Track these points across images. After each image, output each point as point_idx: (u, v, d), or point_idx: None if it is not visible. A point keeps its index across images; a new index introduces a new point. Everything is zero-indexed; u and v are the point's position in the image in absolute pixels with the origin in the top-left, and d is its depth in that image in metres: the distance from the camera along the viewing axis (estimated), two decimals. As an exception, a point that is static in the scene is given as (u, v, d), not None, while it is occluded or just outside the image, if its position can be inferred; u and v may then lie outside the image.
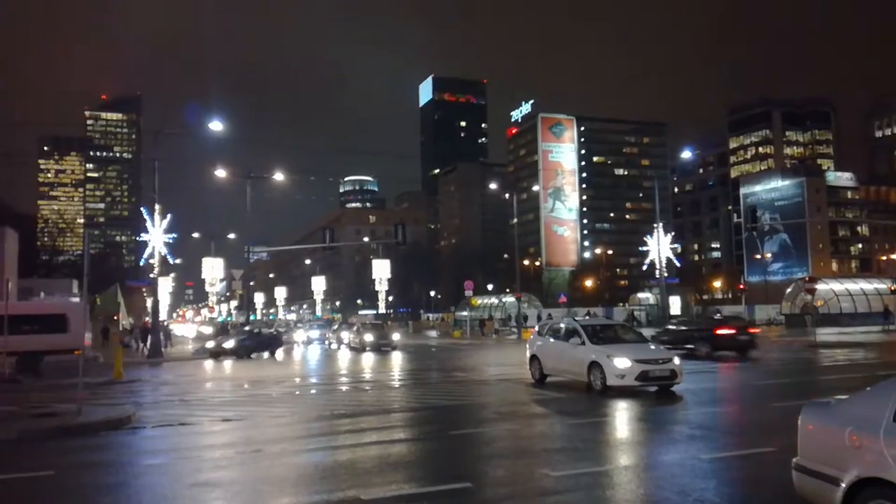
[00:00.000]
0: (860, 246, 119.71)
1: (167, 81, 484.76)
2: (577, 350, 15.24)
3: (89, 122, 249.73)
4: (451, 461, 8.94)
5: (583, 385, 15.07)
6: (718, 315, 32.76)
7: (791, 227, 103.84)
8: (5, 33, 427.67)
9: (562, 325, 16.90)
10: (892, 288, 45.27)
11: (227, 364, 28.11)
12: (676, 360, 14.42)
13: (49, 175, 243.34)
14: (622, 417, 12.08)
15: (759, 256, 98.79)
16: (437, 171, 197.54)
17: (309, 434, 11.12)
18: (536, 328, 19.36)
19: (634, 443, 9.99)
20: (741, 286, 56.39)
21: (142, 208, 33.37)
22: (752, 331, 26.11)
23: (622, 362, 14.04)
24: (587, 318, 32.68)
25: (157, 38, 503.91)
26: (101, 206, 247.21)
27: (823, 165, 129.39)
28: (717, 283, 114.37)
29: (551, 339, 16.76)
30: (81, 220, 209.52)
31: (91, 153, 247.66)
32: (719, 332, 24.92)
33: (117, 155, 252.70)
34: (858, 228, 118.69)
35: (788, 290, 53.30)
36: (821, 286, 43.75)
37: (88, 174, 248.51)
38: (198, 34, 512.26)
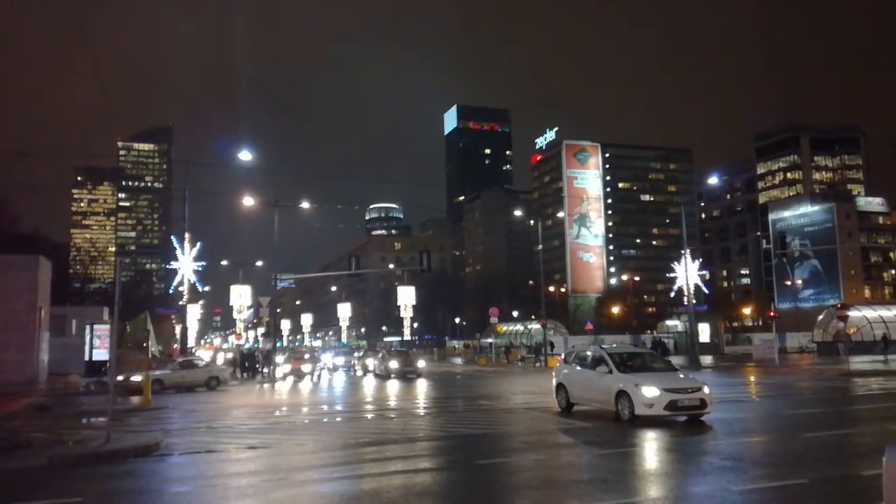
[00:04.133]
0: (893, 272, 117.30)
1: (197, 112, 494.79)
2: (605, 378, 15.05)
3: (122, 152, 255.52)
4: (477, 491, 8.86)
5: (610, 414, 14.87)
6: None
7: (822, 253, 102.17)
8: (40, 67, 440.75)
9: (588, 353, 16.69)
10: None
11: (254, 391, 28.22)
12: (706, 389, 14.16)
13: (82, 204, 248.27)
14: (651, 448, 11.88)
15: (789, 283, 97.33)
16: (461, 198, 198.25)
17: (334, 462, 11.10)
18: (563, 356, 19.19)
19: (664, 474, 9.80)
20: (772, 313, 55.35)
21: (172, 237, 33.90)
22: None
23: (650, 391, 13.82)
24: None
25: (188, 71, 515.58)
26: (132, 234, 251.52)
27: (854, 190, 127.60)
28: (747, 310, 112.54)
29: (578, 368, 16.57)
30: (113, 249, 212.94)
31: (123, 183, 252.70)
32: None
33: (148, 184, 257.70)
34: (891, 254, 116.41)
35: (820, 317, 52.31)
36: (853, 313, 42.92)
37: (120, 203, 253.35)
38: (226, 66, 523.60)
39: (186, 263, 31.73)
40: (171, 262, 33.22)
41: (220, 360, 49.12)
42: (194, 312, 59.94)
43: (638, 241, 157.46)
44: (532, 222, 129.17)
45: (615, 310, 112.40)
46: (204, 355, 58.70)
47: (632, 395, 13.99)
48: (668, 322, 65.19)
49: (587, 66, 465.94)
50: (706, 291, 48.08)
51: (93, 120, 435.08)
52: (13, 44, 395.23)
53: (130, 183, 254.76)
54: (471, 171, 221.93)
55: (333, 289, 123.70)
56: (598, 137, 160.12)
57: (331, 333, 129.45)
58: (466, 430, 14.61)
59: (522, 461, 10.79)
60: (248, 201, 41.68)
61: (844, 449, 11.63)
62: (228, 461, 11.59)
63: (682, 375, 15.27)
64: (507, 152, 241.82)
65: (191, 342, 51.50)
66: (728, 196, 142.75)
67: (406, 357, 36.78)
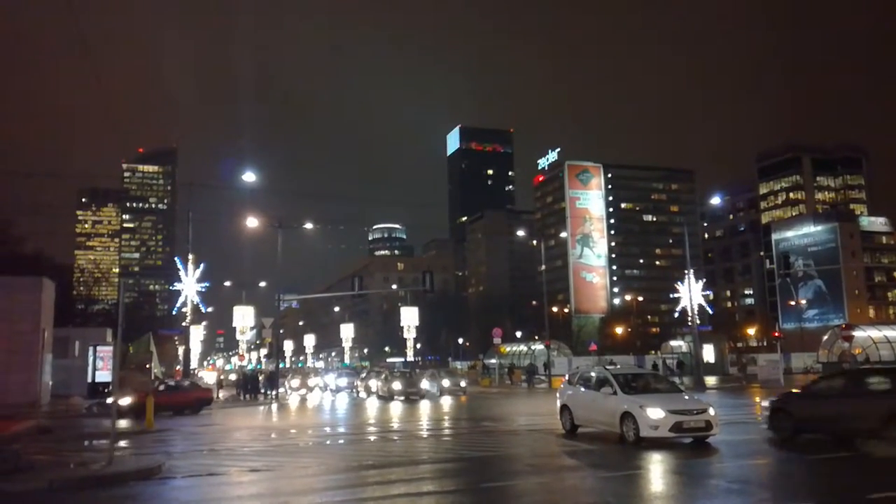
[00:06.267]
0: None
1: (202, 133, 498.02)
2: (609, 400, 14.95)
3: (126, 174, 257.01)
4: (481, 515, 8.77)
5: (615, 436, 14.76)
6: None
7: (825, 273, 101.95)
8: (45, 89, 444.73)
9: (593, 374, 16.61)
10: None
11: (256, 412, 28.10)
12: (711, 411, 14.06)
13: (86, 226, 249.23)
14: (656, 470, 11.79)
15: (793, 303, 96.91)
16: (464, 218, 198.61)
17: (336, 485, 11.03)
18: (567, 377, 19.10)
19: (669, 497, 9.72)
20: (776, 333, 55.14)
21: (175, 258, 33.95)
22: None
23: (655, 413, 13.72)
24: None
25: (191, 92, 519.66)
26: (136, 255, 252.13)
27: (856, 210, 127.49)
28: (752, 331, 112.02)
29: (582, 389, 16.46)
30: (116, 270, 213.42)
31: (127, 204, 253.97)
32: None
33: (152, 206, 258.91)
34: (895, 274, 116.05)
35: (825, 337, 52.13)
36: (858, 333, 42.82)
37: (124, 225, 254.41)
38: (231, 89, 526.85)
39: (190, 284, 31.76)
40: (175, 284, 33.26)
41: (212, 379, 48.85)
42: (197, 334, 60.03)
43: (641, 261, 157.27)
44: (535, 242, 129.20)
45: (619, 330, 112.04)
46: (207, 377, 58.63)
47: (637, 417, 13.89)
48: (672, 342, 64.92)
49: (589, 87, 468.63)
50: (710, 312, 47.91)
51: (97, 142, 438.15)
52: (17, 65, 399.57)
53: (134, 204, 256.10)
54: (473, 191, 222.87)
55: (336, 309, 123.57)
56: (601, 158, 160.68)
57: (334, 354, 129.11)
58: (470, 452, 14.51)
59: (527, 484, 10.71)
60: (252, 222, 41.87)
61: (852, 471, 11.52)
62: (231, 484, 11.52)
63: (686, 397, 15.18)
64: (510, 173, 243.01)
65: (194, 363, 51.45)
66: (731, 216, 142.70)
67: (409, 378, 36.65)
